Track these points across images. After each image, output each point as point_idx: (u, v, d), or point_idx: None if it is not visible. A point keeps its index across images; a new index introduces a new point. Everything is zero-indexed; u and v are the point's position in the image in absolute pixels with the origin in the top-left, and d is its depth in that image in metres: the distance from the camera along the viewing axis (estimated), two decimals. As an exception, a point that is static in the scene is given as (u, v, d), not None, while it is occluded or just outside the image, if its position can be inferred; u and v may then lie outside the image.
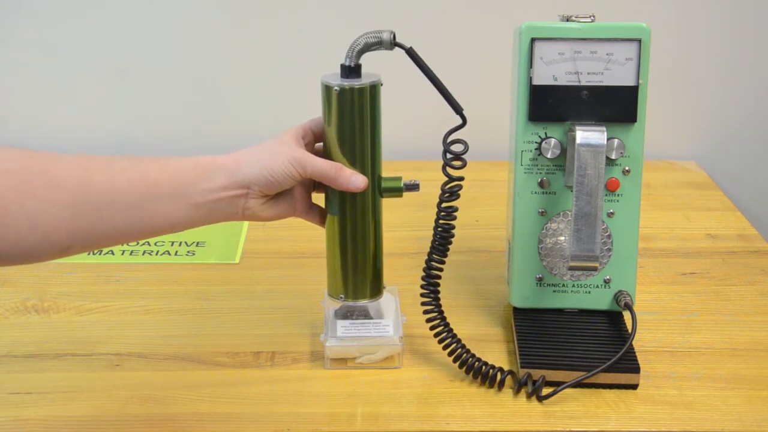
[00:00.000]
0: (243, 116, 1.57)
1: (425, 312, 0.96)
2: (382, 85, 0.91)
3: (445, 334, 0.96)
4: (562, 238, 1.00)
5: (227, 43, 1.53)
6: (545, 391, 0.92)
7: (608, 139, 0.95)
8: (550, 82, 0.95)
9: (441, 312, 0.96)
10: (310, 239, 1.25)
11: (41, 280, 1.15)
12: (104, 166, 0.82)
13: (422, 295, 0.95)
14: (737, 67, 1.53)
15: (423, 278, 0.95)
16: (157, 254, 1.22)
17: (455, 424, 0.89)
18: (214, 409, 0.91)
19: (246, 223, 1.30)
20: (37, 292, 1.12)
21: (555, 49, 0.94)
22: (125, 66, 1.54)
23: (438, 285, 0.95)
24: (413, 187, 0.94)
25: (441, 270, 0.95)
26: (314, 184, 0.95)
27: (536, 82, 0.95)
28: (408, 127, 1.50)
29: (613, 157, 0.96)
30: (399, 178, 0.94)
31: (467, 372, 0.95)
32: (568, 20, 0.95)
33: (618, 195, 0.98)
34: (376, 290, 0.97)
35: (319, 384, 0.95)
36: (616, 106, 0.95)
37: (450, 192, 0.93)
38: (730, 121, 1.56)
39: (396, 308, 1.02)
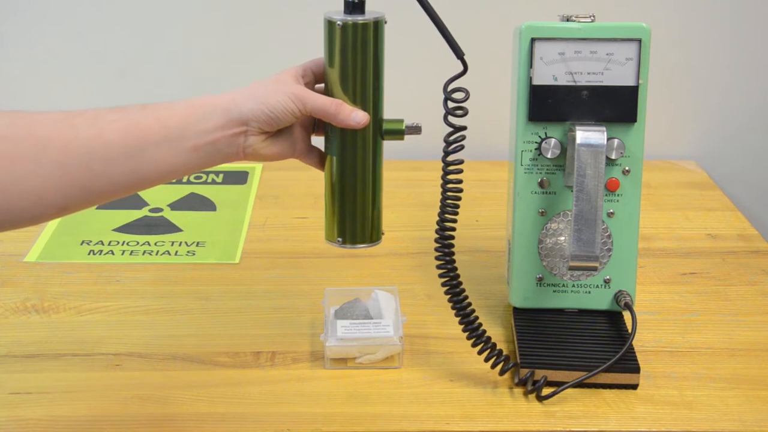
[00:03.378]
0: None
1: (438, 267, 0.92)
2: (386, 22, 0.89)
3: (454, 296, 0.92)
4: (562, 238, 1.00)
5: (227, 43, 1.53)
6: (545, 391, 0.92)
7: (608, 139, 0.95)
8: (550, 82, 0.95)
9: (454, 270, 0.92)
10: (309, 239, 1.25)
11: (41, 280, 1.15)
12: (91, 120, 0.80)
13: (437, 258, 0.92)
14: (737, 67, 1.53)
15: (436, 240, 0.92)
16: (157, 254, 1.22)
17: (455, 424, 0.89)
18: (214, 409, 0.91)
19: (246, 223, 1.30)
20: (37, 292, 1.12)
21: (555, 49, 0.94)
22: (125, 66, 1.54)
23: (452, 246, 0.92)
24: (415, 129, 0.91)
25: (453, 230, 0.91)
26: (314, 126, 0.92)
27: (536, 82, 0.95)
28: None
29: (613, 157, 0.96)
30: (401, 120, 0.92)
31: (474, 345, 0.94)
32: (568, 20, 0.95)
33: (618, 195, 0.98)
34: (375, 235, 0.94)
35: (319, 384, 0.95)
36: (616, 106, 0.95)
37: (454, 142, 0.90)
38: (730, 121, 1.56)
39: (396, 308, 1.02)
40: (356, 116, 0.88)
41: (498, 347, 0.94)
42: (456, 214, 0.92)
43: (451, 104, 0.90)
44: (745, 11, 1.50)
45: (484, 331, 0.94)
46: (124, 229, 1.28)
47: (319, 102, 0.86)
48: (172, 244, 1.25)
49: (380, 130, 0.91)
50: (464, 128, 0.90)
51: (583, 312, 1.02)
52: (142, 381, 0.96)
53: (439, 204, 0.92)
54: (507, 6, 1.48)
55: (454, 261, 0.93)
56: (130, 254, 1.22)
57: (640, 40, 0.94)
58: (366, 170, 0.91)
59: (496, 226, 1.27)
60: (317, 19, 1.57)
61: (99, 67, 1.54)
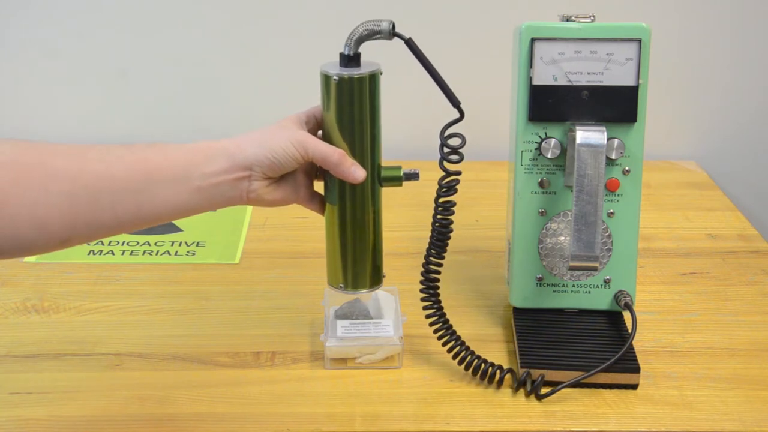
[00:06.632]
0: (244, 116, 1.57)
1: (425, 308, 0.95)
2: (381, 74, 0.90)
3: (444, 331, 0.96)
4: (562, 238, 1.00)
5: (228, 43, 1.53)
6: (544, 390, 0.92)
7: (608, 139, 0.95)
8: (550, 82, 0.95)
9: (440, 309, 0.95)
10: (309, 239, 1.25)
11: (41, 280, 1.15)
12: (101, 154, 0.81)
13: (422, 290, 0.95)
14: (737, 67, 1.53)
15: (422, 273, 0.94)
16: (157, 254, 1.22)
17: (455, 424, 0.89)
18: (214, 409, 0.91)
19: (246, 223, 1.30)
20: (37, 292, 1.12)
21: (555, 49, 0.94)
22: (126, 66, 1.54)
23: (437, 281, 0.95)
24: (413, 176, 0.93)
25: (440, 266, 0.94)
26: (316, 172, 0.93)
27: (536, 82, 0.95)
28: (407, 127, 1.50)
29: (613, 157, 0.96)
30: (398, 167, 0.93)
31: (467, 368, 0.95)
32: (568, 20, 0.95)
33: (618, 195, 0.98)
34: (376, 280, 0.96)
35: (319, 384, 0.95)
36: (616, 106, 0.95)
37: (447, 187, 0.92)
38: (730, 121, 1.56)
39: (396, 308, 1.02)
40: (356, 171, 0.89)
41: (489, 360, 0.95)
42: (442, 258, 0.94)
43: (446, 150, 0.91)
44: (745, 11, 1.50)
45: (479, 357, 0.95)
46: (124, 229, 1.28)
47: (321, 149, 0.87)
48: (172, 244, 1.25)
49: (378, 177, 0.93)
50: (459, 173, 0.91)
51: (583, 312, 1.02)
52: (142, 381, 0.96)
53: (428, 242, 0.94)
54: (507, 6, 1.48)
55: (438, 295, 0.95)
56: (130, 254, 1.22)
57: (640, 40, 0.94)
58: (366, 218, 0.93)
59: (496, 226, 1.27)
60: (315, 18, 1.58)
61: (99, 67, 1.54)
